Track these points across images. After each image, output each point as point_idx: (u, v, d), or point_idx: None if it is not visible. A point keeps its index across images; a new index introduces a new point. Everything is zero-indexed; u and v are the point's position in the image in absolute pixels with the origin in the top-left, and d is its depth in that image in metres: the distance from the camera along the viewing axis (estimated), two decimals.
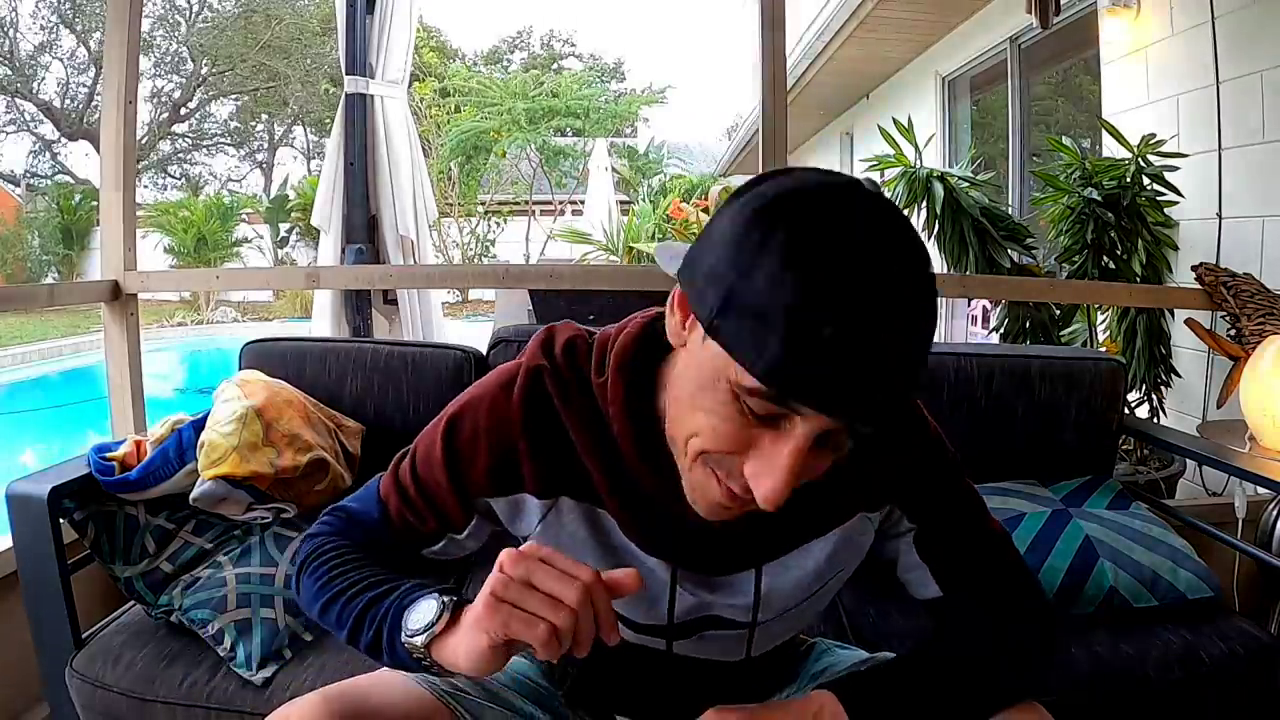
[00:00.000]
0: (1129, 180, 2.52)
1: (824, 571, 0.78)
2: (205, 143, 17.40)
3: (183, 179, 16.79)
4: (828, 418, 0.55)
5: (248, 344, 1.67)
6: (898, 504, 0.78)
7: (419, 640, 0.65)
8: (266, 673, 1.18)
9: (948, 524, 0.79)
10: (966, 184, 2.75)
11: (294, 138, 18.47)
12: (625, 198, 11.48)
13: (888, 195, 0.58)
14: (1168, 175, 2.52)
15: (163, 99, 16.16)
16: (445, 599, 0.66)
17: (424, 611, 0.66)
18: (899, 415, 0.68)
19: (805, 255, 0.53)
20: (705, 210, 6.08)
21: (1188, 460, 2.27)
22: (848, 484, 0.73)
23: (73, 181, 14.95)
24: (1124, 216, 2.50)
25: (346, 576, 0.74)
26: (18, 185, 14.75)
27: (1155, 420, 2.54)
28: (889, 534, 0.81)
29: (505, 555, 0.62)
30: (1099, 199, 2.50)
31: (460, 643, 0.63)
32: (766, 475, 0.58)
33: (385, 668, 0.74)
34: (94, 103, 14.88)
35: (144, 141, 15.15)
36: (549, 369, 0.74)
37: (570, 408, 0.73)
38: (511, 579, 0.60)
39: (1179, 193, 2.53)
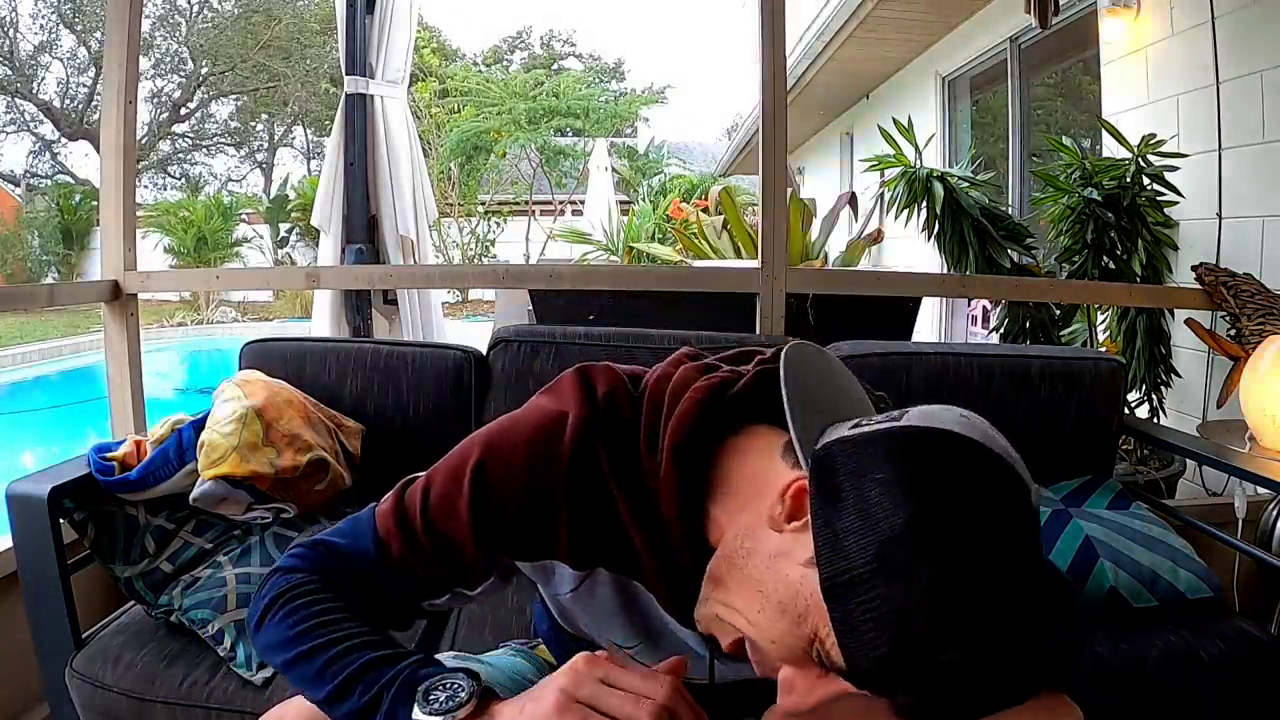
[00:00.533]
0: (1129, 180, 2.52)
1: None
2: (205, 143, 17.41)
3: (183, 179, 16.79)
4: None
5: (248, 344, 1.67)
6: None
7: None
8: (266, 673, 1.18)
9: None
10: (966, 184, 2.75)
11: (294, 138, 18.47)
12: (625, 198, 11.49)
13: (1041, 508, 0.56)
14: (1168, 175, 2.52)
15: (163, 99, 16.16)
16: (474, 682, 0.62)
17: (451, 690, 0.61)
18: None
19: (950, 601, 0.51)
20: (705, 210, 6.08)
21: (1188, 460, 2.27)
22: None
23: (73, 181, 14.94)
24: (1124, 216, 2.50)
25: (339, 627, 0.66)
26: (18, 185, 14.75)
27: (1155, 420, 2.54)
28: None
29: (581, 657, 0.60)
30: (1099, 199, 2.50)
31: None
32: (800, 697, 0.58)
33: None
34: (94, 103, 14.87)
35: (144, 141, 15.15)
36: (599, 431, 0.68)
37: (619, 476, 0.67)
38: (587, 676, 0.59)
39: (1179, 193, 2.53)
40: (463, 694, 0.60)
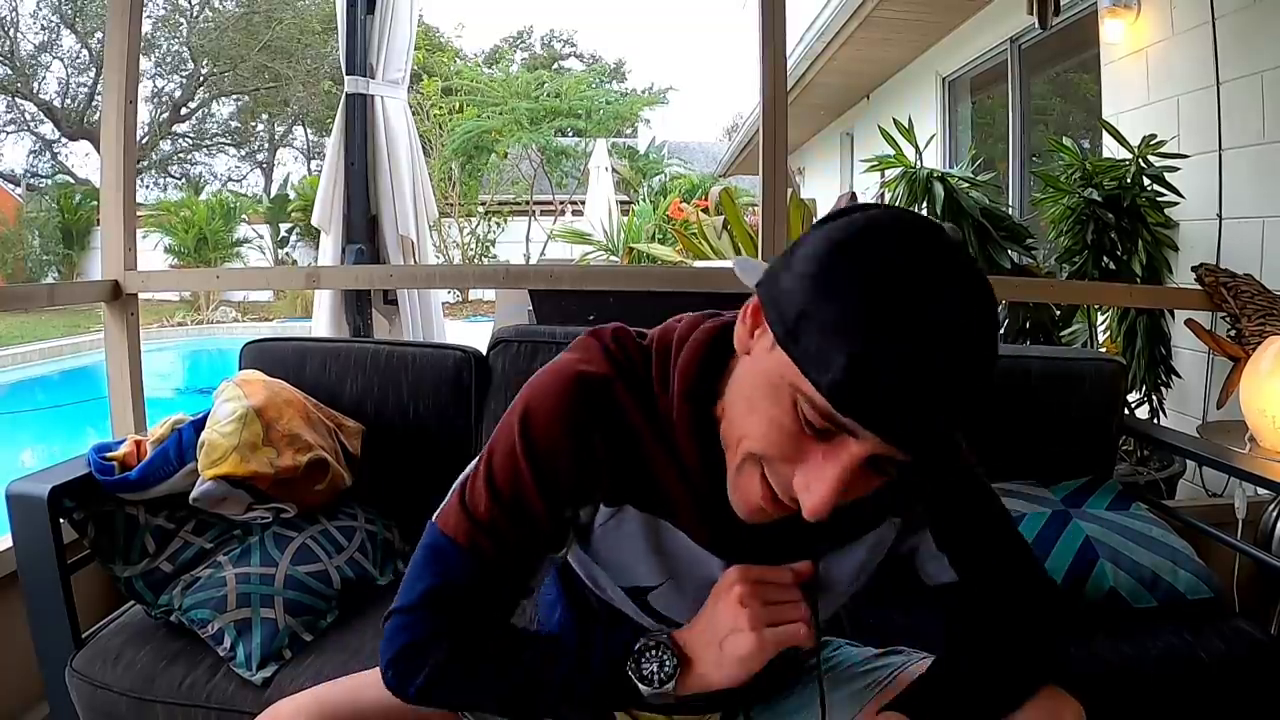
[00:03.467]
0: (1129, 181, 2.52)
1: (858, 574, 0.81)
2: (206, 143, 17.41)
3: (183, 179, 16.79)
4: (880, 441, 0.58)
5: (248, 344, 1.67)
6: (922, 506, 0.81)
7: (670, 686, 0.70)
8: (266, 673, 1.18)
9: (965, 517, 0.81)
10: (967, 184, 2.75)
11: (294, 138, 18.46)
12: (626, 198, 11.49)
13: (967, 250, 0.63)
14: (1168, 176, 2.52)
15: (163, 99, 16.16)
16: (668, 639, 0.73)
17: (658, 661, 0.71)
18: (948, 446, 0.65)
19: (881, 291, 0.57)
20: (705, 210, 6.08)
21: (1188, 461, 2.27)
22: (881, 494, 0.72)
23: (73, 181, 14.94)
24: (1124, 217, 2.50)
25: (509, 670, 0.73)
26: (18, 185, 14.75)
27: (1155, 421, 2.54)
28: (911, 528, 0.82)
29: (730, 571, 0.72)
30: (1099, 199, 2.50)
31: (722, 657, 0.70)
32: (815, 488, 0.61)
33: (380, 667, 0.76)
34: (94, 103, 14.88)
35: (144, 141, 15.15)
36: (618, 374, 0.74)
37: (642, 420, 0.73)
38: (743, 579, 0.71)
39: (1179, 193, 2.53)
40: (667, 660, 0.71)
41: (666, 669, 0.70)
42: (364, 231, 2.85)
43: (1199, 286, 2.17)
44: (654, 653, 0.71)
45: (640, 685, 0.70)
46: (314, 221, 2.99)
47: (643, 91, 17.69)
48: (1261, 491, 1.68)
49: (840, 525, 0.75)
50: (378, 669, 0.76)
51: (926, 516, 0.81)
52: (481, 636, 0.73)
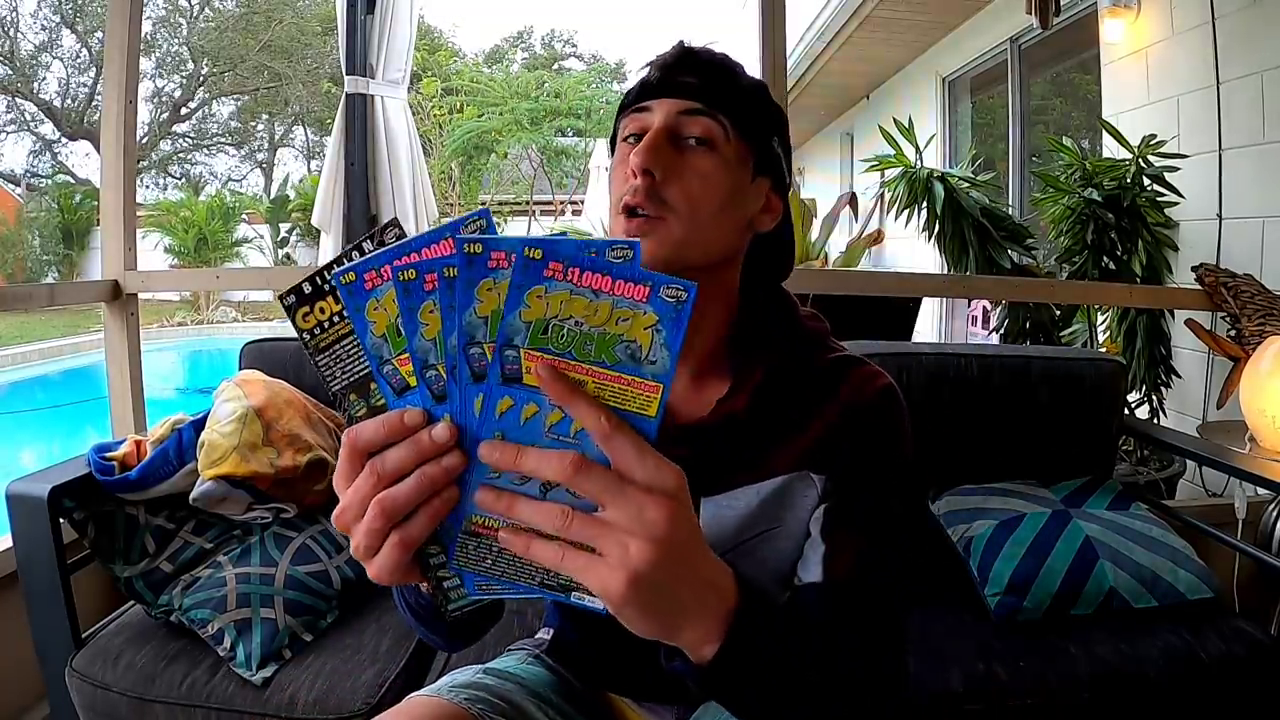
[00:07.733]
0: (1129, 181, 2.52)
1: (755, 517, 0.73)
2: (206, 143, 17.40)
3: (183, 179, 16.79)
4: (669, 99, 0.76)
5: (248, 344, 1.67)
6: (834, 470, 0.72)
7: None
8: (266, 673, 1.18)
9: (861, 503, 0.71)
10: (967, 184, 2.75)
11: (294, 138, 18.45)
12: None
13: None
14: (1168, 176, 2.52)
15: (163, 99, 16.16)
16: None
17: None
18: (732, 98, 0.77)
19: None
20: None
21: (1188, 461, 2.27)
22: (787, 429, 0.72)
23: (73, 181, 14.94)
24: (1124, 217, 2.50)
25: None
26: (18, 185, 14.74)
27: (1155, 421, 2.54)
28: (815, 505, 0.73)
29: None
30: (1099, 199, 2.50)
31: None
32: (636, 152, 0.74)
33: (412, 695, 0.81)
34: (94, 103, 14.88)
35: (144, 141, 15.15)
36: None
37: None
38: None
39: (1179, 193, 2.53)
40: None
41: None
42: (364, 231, 2.85)
43: (1199, 286, 2.17)
44: None
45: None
46: (314, 221, 2.98)
47: None
48: (1261, 491, 1.68)
49: (731, 461, 0.72)
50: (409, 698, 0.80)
51: (832, 482, 0.72)
52: None
